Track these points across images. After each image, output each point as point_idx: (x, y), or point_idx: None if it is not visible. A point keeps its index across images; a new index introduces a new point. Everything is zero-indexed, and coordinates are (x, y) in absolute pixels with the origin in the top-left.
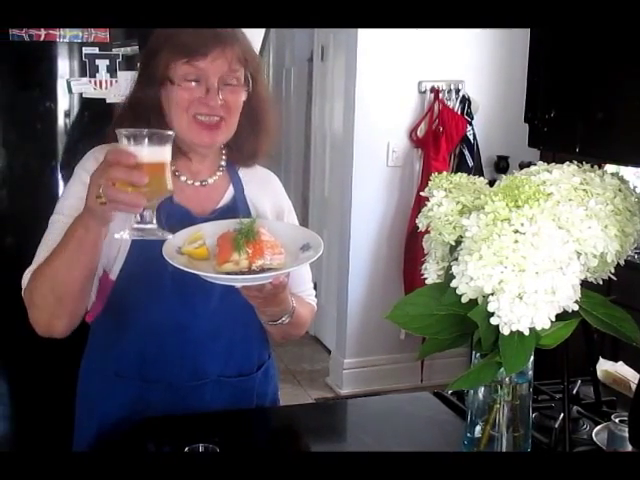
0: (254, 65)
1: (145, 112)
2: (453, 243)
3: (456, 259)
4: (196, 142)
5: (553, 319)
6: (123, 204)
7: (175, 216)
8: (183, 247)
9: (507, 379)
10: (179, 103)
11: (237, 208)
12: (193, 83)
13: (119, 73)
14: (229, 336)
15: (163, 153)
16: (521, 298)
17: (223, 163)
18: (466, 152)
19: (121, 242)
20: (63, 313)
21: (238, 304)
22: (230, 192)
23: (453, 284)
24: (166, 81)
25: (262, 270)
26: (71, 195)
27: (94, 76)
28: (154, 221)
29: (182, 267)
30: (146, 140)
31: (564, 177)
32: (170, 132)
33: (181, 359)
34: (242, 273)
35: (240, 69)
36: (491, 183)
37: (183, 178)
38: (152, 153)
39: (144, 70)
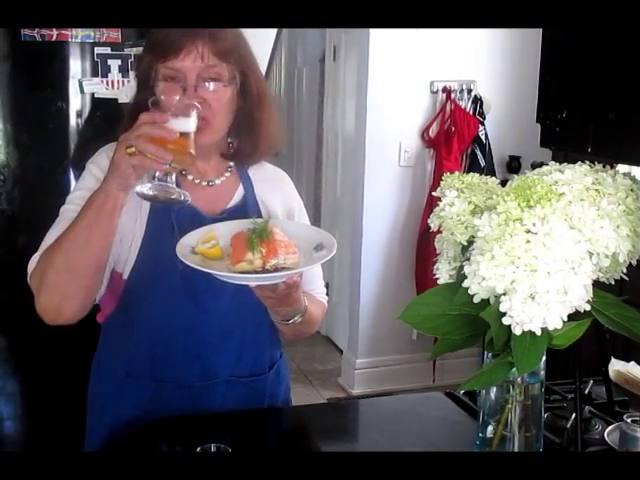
0: (242, 60)
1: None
2: (465, 243)
3: (468, 259)
4: None
5: (565, 319)
6: (152, 155)
7: (185, 216)
8: (196, 247)
9: (519, 379)
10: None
11: (247, 208)
12: (172, 82)
13: (131, 73)
14: (240, 336)
15: (189, 122)
16: (533, 298)
17: (232, 163)
18: (478, 152)
19: (132, 241)
20: (76, 292)
21: (250, 304)
22: (240, 192)
23: (465, 284)
24: (154, 83)
25: (276, 269)
26: (83, 187)
27: (106, 76)
28: (174, 183)
29: (196, 266)
30: (174, 110)
31: (576, 177)
32: (197, 103)
33: (192, 359)
34: (256, 272)
35: (220, 64)
36: (503, 183)
37: (190, 177)
38: (179, 122)
39: (136, 75)
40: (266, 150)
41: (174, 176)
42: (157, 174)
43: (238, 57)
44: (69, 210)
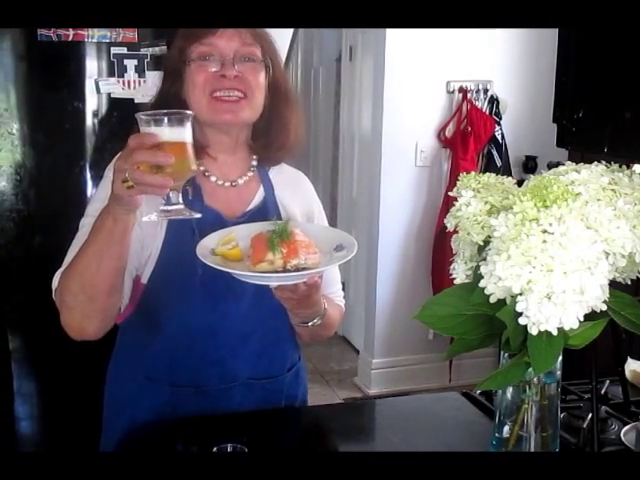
0: (271, 50)
1: (169, 106)
2: (481, 243)
3: (484, 259)
4: (218, 120)
5: (581, 319)
6: (150, 186)
7: (206, 219)
8: (216, 248)
9: (535, 379)
10: (195, 82)
11: (267, 210)
12: (208, 60)
13: (147, 73)
14: (260, 339)
15: (184, 132)
16: (549, 298)
17: (254, 163)
18: (494, 152)
19: (153, 245)
20: (94, 312)
21: (269, 307)
22: (260, 193)
23: (481, 284)
24: (184, 67)
25: (297, 270)
26: (101, 198)
27: (122, 76)
28: (180, 201)
29: (217, 266)
30: (166, 121)
31: (592, 177)
32: (189, 112)
33: (211, 363)
34: (276, 272)
35: (255, 44)
36: (519, 183)
37: (213, 178)
38: (173, 133)
39: (165, 64)
40: (292, 148)
41: (180, 196)
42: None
43: (268, 44)
44: (88, 224)
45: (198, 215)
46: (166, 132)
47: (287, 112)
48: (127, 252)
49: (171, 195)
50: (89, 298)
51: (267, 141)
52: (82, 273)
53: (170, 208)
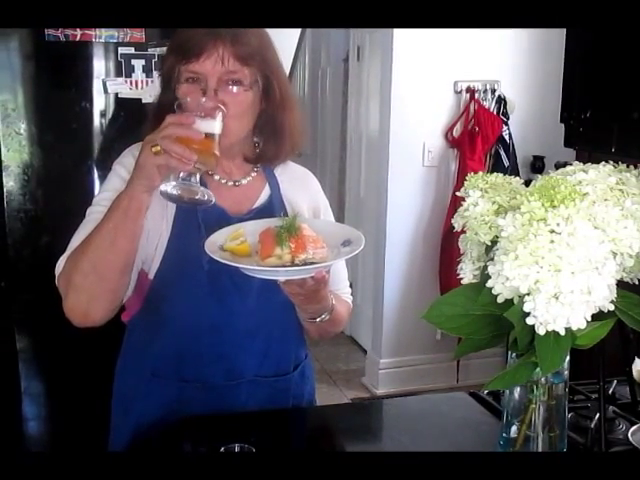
0: (265, 64)
1: (169, 111)
2: (489, 243)
3: (492, 259)
4: None
5: (589, 319)
6: (177, 155)
7: (212, 216)
8: (225, 244)
9: (543, 379)
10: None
11: (273, 208)
12: (193, 84)
13: (155, 73)
14: (266, 336)
15: (215, 124)
16: (557, 298)
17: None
18: (502, 152)
19: (159, 240)
20: (103, 293)
21: (276, 303)
22: (266, 192)
23: (489, 284)
24: (176, 84)
25: (305, 264)
26: (109, 189)
27: (130, 76)
28: (198, 181)
29: (226, 261)
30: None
31: (600, 177)
32: (224, 108)
33: (217, 359)
34: (285, 267)
35: (242, 69)
36: (527, 183)
37: (217, 177)
38: (206, 122)
39: (160, 75)
40: (289, 152)
41: (198, 177)
42: (181, 174)
43: (261, 61)
44: (95, 212)
45: (212, 200)
46: (199, 121)
47: (283, 118)
48: (140, 234)
49: (190, 177)
50: (100, 277)
51: (263, 147)
52: (95, 251)
53: (189, 184)
